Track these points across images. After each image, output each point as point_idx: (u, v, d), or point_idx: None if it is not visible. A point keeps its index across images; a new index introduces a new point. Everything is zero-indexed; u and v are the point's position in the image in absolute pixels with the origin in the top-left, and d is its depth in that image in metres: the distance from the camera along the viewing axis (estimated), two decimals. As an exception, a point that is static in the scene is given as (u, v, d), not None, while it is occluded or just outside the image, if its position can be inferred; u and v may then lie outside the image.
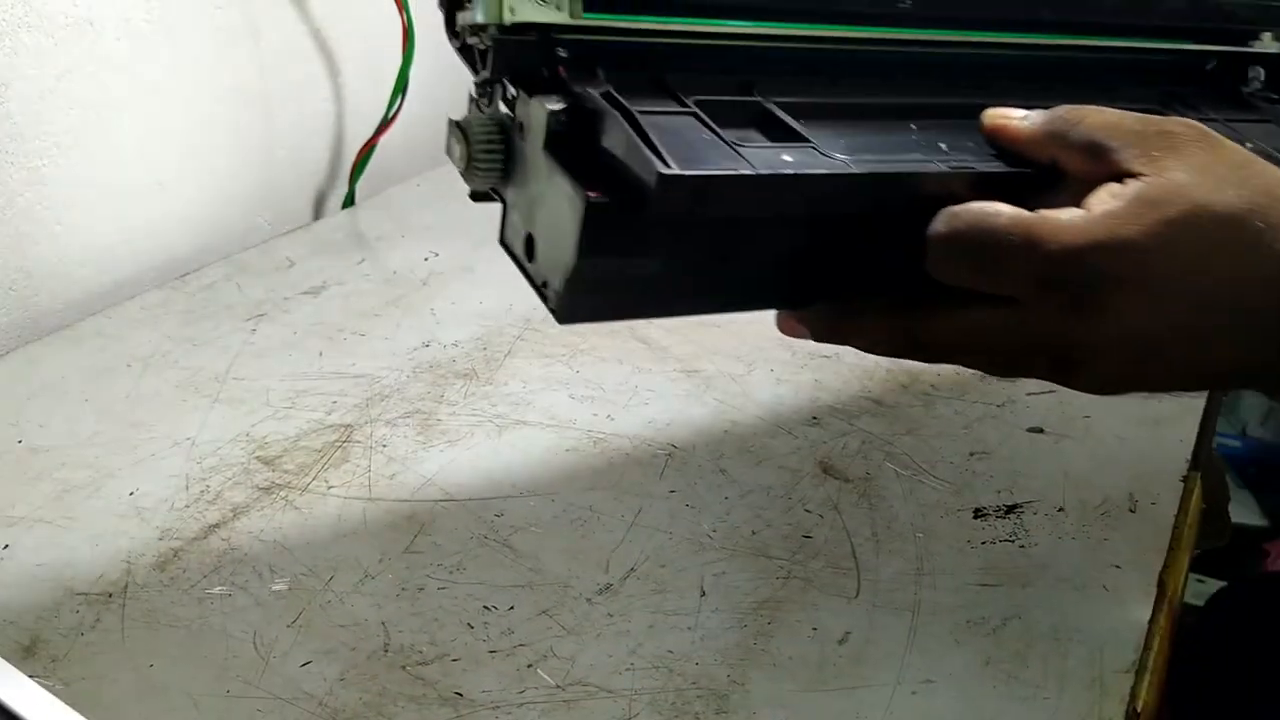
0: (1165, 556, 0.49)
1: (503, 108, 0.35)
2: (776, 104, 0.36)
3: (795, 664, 0.43)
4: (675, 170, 0.30)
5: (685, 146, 0.31)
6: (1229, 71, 0.47)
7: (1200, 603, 0.77)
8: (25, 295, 0.68)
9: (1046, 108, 0.37)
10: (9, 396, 0.60)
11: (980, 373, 0.39)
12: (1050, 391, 0.59)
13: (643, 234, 0.32)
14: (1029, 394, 0.60)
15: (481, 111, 0.36)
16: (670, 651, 0.44)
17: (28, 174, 0.66)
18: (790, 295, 0.38)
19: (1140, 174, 0.33)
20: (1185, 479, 0.54)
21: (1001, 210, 0.33)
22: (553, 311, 0.35)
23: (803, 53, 0.39)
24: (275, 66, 0.82)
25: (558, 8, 0.33)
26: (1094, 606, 0.46)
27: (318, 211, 0.90)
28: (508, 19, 0.33)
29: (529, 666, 0.43)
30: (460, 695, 0.41)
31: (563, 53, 0.34)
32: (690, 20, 0.36)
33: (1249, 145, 0.36)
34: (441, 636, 0.44)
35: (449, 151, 0.36)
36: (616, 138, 0.31)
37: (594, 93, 0.33)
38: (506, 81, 0.35)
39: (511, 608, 0.46)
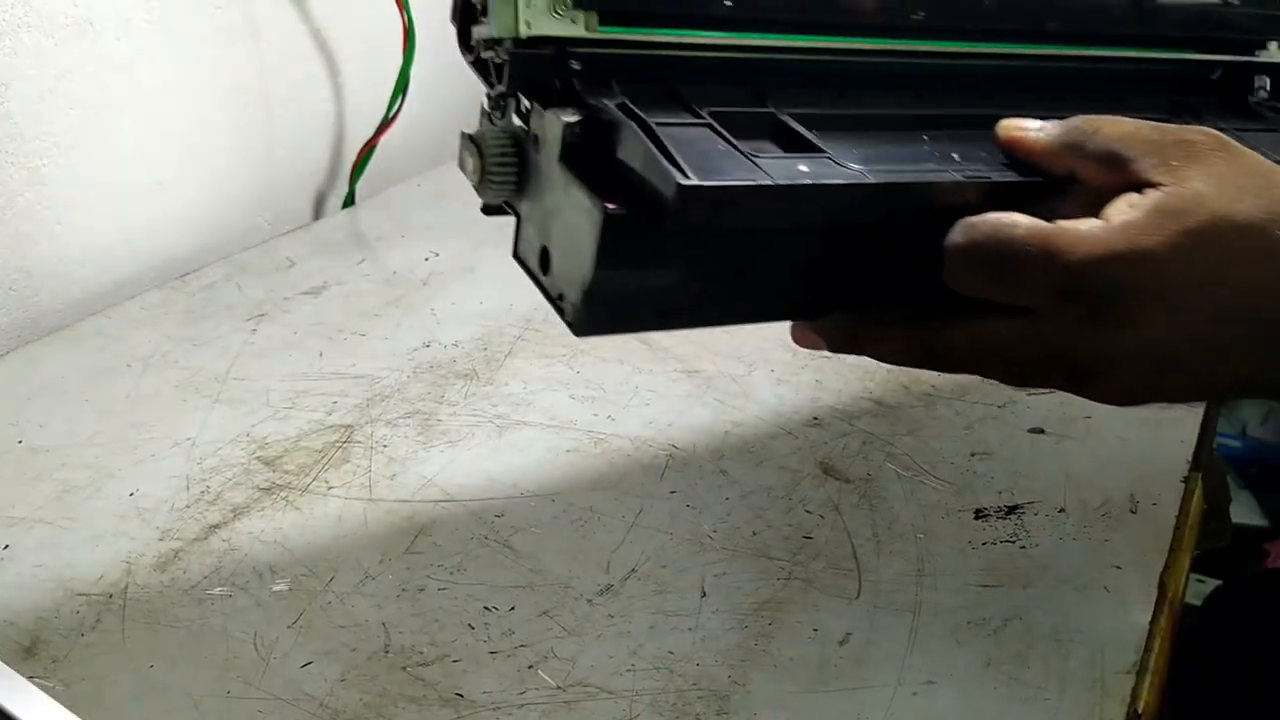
0: (1166, 557, 0.49)
1: (516, 120, 0.35)
2: (790, 115, 0.35)
3: (796, 665, 0.43)
4: (694, 181, 0.30)
5: (702, 157, 0.31)
6: (1235, 81, 0.47)
7: (1200, 603, 0.77)
8: (25, 295, 0.68)
9: (1059, 118, 0.36)
10: (9, 396, 0.60)
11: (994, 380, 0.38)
12: (1051, 392, 0.59)
13: (660, 246, 0.32)
14: (1030, 395, 0.60)
15: (494, 124, 0.36)
16: (671, 652, 0.44)
17: (28, 174, 0.66)
18: (806, 306, 0.38)
19: (1159, 184, 0.33)
20: (1186, 480, 0.54)
21: (1019, 221, 0.33)
22: (570, 324, 0.35)
23: (814, 64, 0.39)
24: (275, 66, 0.82)
25: (573, 21, 0.33)
26: (1095, 607, 0.46)
27: (318, 211, 0.90)
28: (524, 33, 0.33)
29: (530, 667, 0.43)
30: (461, 696, 0.41)
31: (576, 65, 0.34)
32: (703, 33, 0.36)
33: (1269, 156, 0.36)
34: (442, 637, 0.44)
35: (461, 165, 0.36)
36: (634, 149, 0.31)
37: (610, 104, 0.33)
38: (521, 94, 0.35)
39: (512, 608, 0.46)
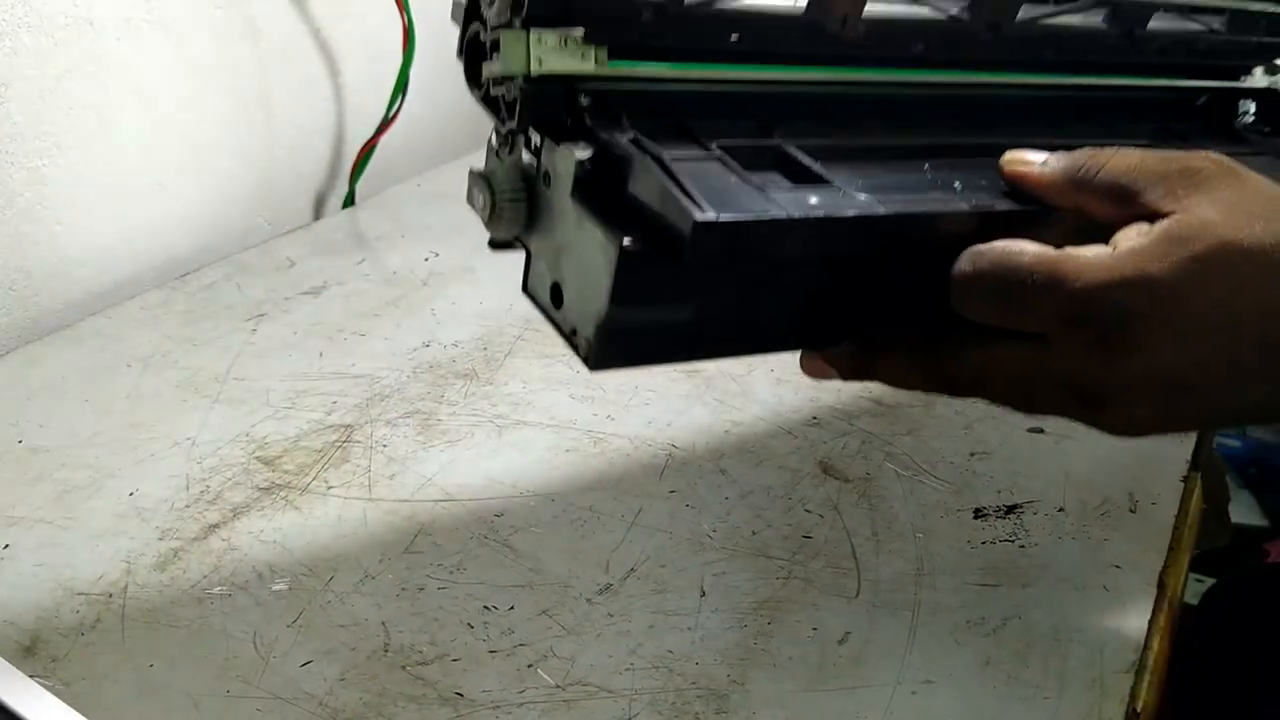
0: (1165, 557, 0.49)
1: (524, 155, 0.35)
2: (796, 146, 0.36)
3: (795, 664, 0.43)
4: (711, 216, 0.30)
5: (716, 191, 0.31)
6: (1220, 106, 0.47)
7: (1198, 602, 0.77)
8: (25, 295, 0.68)
9: (1056, 145, 0.37)
10: (9, 396, 0.60)
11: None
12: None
13: (673, 279, 0.32)
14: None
15: (502, 160, 0.36)
16: (670, 651, 0.44)
17: (28, 174, 0.66)
18: (818, 335, 0.39)
19: (1168, 212, 0.33)
20: (1185, 479, 0.54)
21: (1026, 248, 0.33)
22: (585, 359, 0.35)
23: (816, 95, 0.39)
24: (275, 66, 0.82)
25: (583, 57, 0.33)
26: (1094, 606, 0.46)
27: (318, 211, 0.90)
28: (535, 70, 0.33)
29: (529, 666, 0.43)
30: (460, 695, 0.42)
31: (585, 100, 0.34)
32: (710, 67, 0.37)
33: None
34: (441, 636, 0.44)
35: (470, 200, 0.36)
36: (648, 184, 0.31)
37: (621, 139, 0.33)
38: (532, 129, 0.35)
39: (512, 608, 0.46)
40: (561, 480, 0.54)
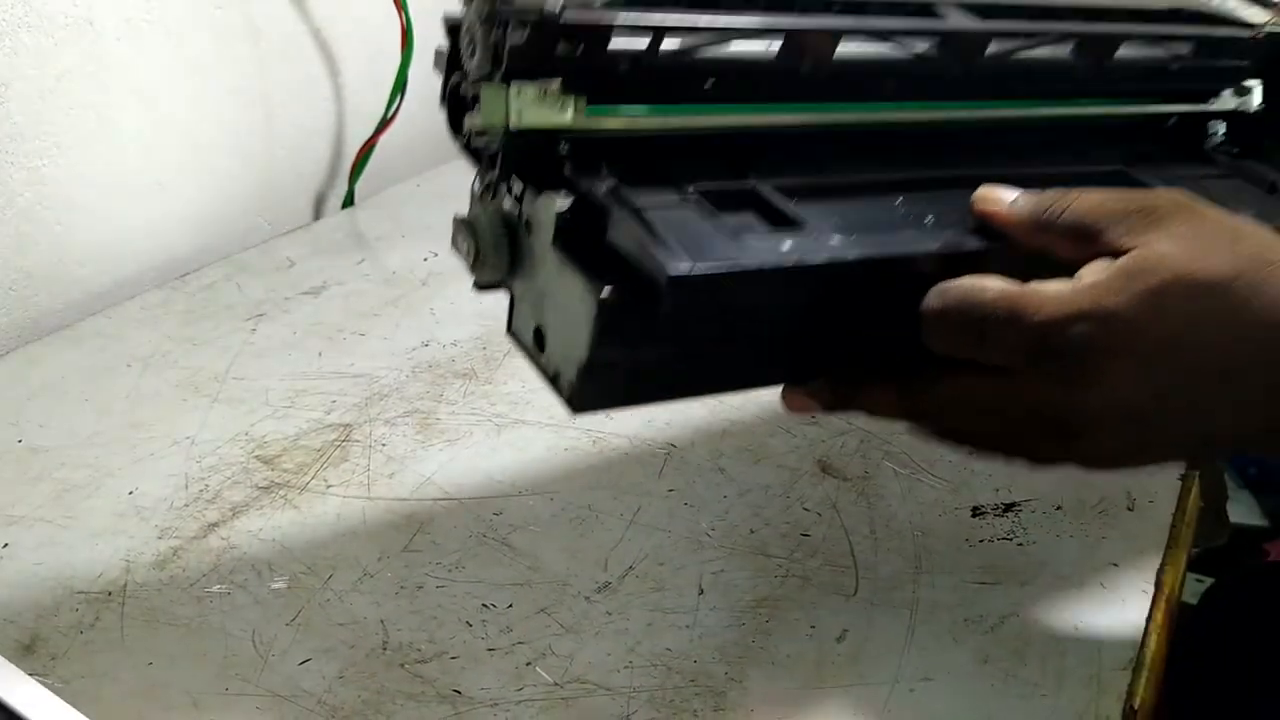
0: (1163, 555, 0.49)
1: (506, 203, 0.36)
2: (771, 186, 0.37)
3: (793, 662, 0.43)
4: (685, 269, 0.30)
5: (692, 239, 0.32)
6: (1190, 128, 0.48)
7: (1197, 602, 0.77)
8: (25, 295, 0.69)
9: (1023, 174, 0.37)
10: (9, 396, 0.61)
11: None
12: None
13: (653, 324, 0.33)
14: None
15: (485, 206, 0.37)
16: (668, 649, 0.44)
17: (28, 174, 0.67)
18: (798, 370, 0.39)
19: (1129, 249, 0.33)
20: (1183, 478, 0.54)
21: (989, 285, 0.34)
22: (567, 402, 0.36)
23: (789, 132, 0.40)
24: (275, 66, 0.82)
25: (562, 108, 0.34)
26: (1092, 604, 0.46)
27: (318, 211, 0.90)
28: (514, 124, 0.34)
29: (527, 664, 0.43)
30: (459, 693, 0.42)
31: (564, 148, 0.35)
32: (686, 110, 0.37)
33: (1248, 213, 0.37)
34: (440, 634, 0.44)
35: (455, 246, 0.37)
36: (626, 234, 0.32)
37: (600, 187, 0.34)
38: (513, 178, 0.36)
39: (510, 606, 0.46)
40: (560, 479, 0.54)
